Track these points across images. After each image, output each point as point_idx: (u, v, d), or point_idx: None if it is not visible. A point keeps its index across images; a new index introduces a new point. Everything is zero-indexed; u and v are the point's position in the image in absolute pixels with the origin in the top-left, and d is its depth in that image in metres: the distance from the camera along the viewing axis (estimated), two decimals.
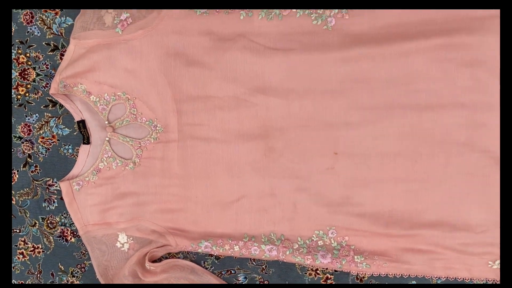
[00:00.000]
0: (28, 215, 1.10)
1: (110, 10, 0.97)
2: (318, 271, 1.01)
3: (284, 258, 0.97)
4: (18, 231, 1.10)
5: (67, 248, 1.09)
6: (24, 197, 1.10)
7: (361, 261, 0.94)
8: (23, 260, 1.11)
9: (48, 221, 1.09)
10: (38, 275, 1.10)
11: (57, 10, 1.04)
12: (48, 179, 1.08)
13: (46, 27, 1.05)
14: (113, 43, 0.97)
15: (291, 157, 0.94)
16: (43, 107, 1.07)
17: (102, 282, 1.02)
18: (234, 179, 0.97)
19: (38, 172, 1.09)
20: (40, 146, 1.08)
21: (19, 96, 1.08)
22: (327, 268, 0.99)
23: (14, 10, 1.05)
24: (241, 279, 1.03)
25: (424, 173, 0.90)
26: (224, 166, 0.97)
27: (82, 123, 1.02)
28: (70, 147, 1.07)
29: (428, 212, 0.91)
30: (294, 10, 0.92)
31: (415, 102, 0.89)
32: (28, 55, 1.06)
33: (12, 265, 1.11)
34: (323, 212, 0.94)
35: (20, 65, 1.07)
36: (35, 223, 1.09)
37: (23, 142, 1.08)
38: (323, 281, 1.01)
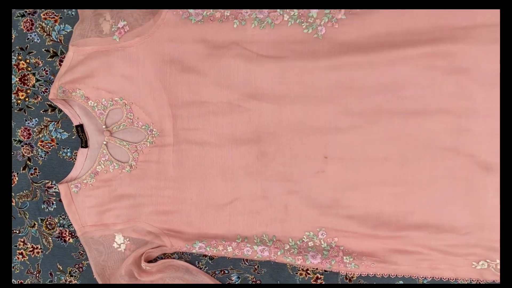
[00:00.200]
0: (27, 216, 1.10)
1: (107, 18, 0.98)
2: (308, 271, 1.02)
3: (276, 258, 0.97)
4: (17, 232, 1.11)
5: (65, 249, 1.09)
6: (23, 199, 1.10)
7: (350, 262, 0.94)
8: (22, 260, 1.11)
9: (47, 222, 1.09)
10: (37, 275, 1.11)
11: (56, 18, 1.05)
12: (47, 181, 1.09)
13: (45, 34, 1.06)
14: (110, 50, 0.97)
15: (283, 161, 0.95)
16: (43, 111, 1.08)
17: (99, 281, 1.02)
18: (228, 182, 0.97)
19: (37, 175, 1.09)
20: (39, 150, 1.09)
21: (19, 101, 1.08)
22: (317, 268, 0.99)
23: (14, 18, 1.06)
24: (234, 278, 1.04)
25: (410, 177, 0.91)
26: (218, 170, 0.97)
27: (80, 127, 1.02)
28: (68, 150, 1.08)
29: (414, 215, 0.92)
30: (286, 19, 0.93)
31: (402, 108, 0.90)
32: (28, 61, 1.07)
33: (12, 265, 1.11)
34: (314, 214, 0.95)
35: (20, 71, 1.08)
36: (34, 224, 1.10)
37: (23, 146, 1.09)
38: (313, 281, 1.01)
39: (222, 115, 0.97)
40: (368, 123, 0.91)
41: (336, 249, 0.96)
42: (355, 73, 0.91)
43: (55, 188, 1.09)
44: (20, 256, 1.12)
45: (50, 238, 1.10)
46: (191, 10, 0.96)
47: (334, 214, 0.94)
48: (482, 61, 0.87)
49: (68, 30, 1.05)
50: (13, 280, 1.12)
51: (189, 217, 1.00)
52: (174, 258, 1.05)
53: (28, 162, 1.09)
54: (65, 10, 1.05)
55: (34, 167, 1.09)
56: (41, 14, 1.06)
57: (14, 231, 1.11)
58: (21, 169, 1.10)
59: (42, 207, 1.10)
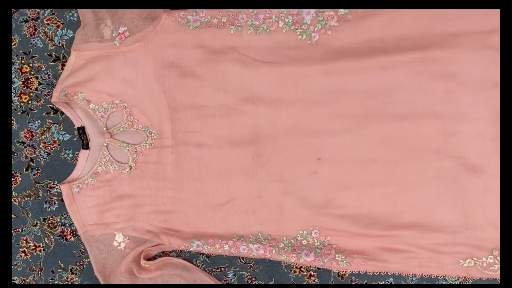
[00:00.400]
0: (30, 216, 1.11)
1: (108, 24, 0.99)
2: (302, 269, 1.03)
3: (271, 256, 0.99)
4: (20, 230, 1.12)
5: (66, 247, 1.10)
6: (26, 199, 1.11)
7: (342, 259, 0.96)
8: (25, 258, 1.12)
9: (49, 221, 1.10)
10: (39, 272, 1.12)
11: (58, 23, 1.06)
12: (49, 181, 1.10)
13: (48, 39, 1.07)
14: (111, 54, 0.99)
15: (278, 163, 0.97)
16: (45, 114, 1.09)
17: (99, 279, 1.03)
18: (225, 183, 0.99)
19: (39, 175, 1.10)
20: (42, 151, 1.10)
21: (22, 104, 1.09)
22: (310, 266, 1.01)
23: (18, 23, 1.08)
24: (230, 276, 1.05)
25: (400, 178, 0.93)
26: (215, 171, 0.99)
27: (81, 130, 1.04)
28: (70, 151, 1.09)
29: (404, 214, 0.93)
30: (281, 25, 0.95)
31: (393, 112, 0.92)
32: (31, 65, 1.08)
33: (15, 263, 1.12)
34: (307, 213, 0.96)
35: (23, 75, 1.09)
36: (37, 223, 1.11)
37: (25, 147, 1.10)
38: (306, 278, 1.03)
39: (219, 118, 0.98)
40: (360, 126, 0.93)
41: (329, 247, 0.97)
42: (348, 78, 0.93)
43: (57, 188, 1.10)
44: (23, 254, 1.12)
45: (52, 237, 1.11)
46: (189, 17, 0.98)
47: (327, 214, 0.96)
48: (469, 66, 0.89)
49: (70, 35, 1.07)
50: (15, 277, 1.13)
51: (187, 217, 1.01)
52: (172, 256, 1.06)
53: (31, 163, 1.10)
54: (67, 16, 1.07)
55: (36, 168, 1.10)
56: (44, 20, 1.07)
57: (17, 230, 1.12)
58: (24, 169, 1.11)
59: (45, 206, 1.11)
